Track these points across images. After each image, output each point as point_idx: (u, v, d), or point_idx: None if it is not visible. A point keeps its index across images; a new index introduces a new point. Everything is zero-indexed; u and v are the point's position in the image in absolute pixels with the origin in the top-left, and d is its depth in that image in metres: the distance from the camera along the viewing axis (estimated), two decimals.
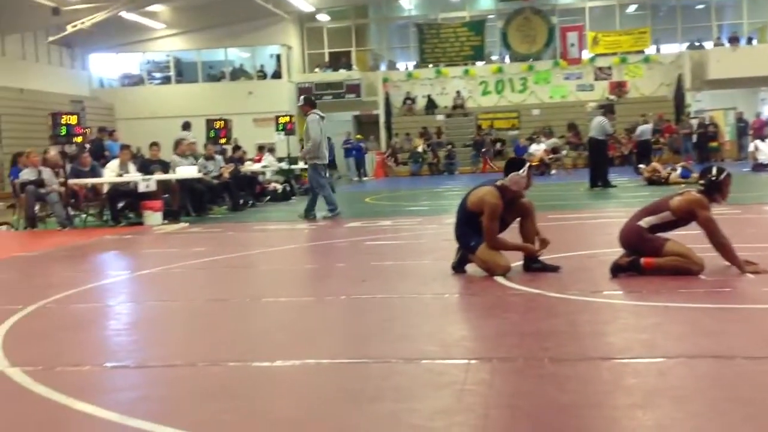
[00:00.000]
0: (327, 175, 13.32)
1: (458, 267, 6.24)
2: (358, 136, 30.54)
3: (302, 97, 13.25)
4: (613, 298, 5.20)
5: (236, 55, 33.90)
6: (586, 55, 31.60)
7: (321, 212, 12.37)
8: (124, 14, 28.14)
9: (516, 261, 6.12)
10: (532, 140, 28.61)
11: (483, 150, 30.41)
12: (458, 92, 32.46)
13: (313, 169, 12.53)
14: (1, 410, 3.34)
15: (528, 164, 6.19)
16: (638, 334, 4.22)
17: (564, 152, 27.72)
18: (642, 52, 31.37)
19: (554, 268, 6.04)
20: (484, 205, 5.98)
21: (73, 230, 12.27)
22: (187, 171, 13.85)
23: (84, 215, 13.47)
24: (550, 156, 26.00)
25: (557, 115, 30.55)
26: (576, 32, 31.50)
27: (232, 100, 29.71)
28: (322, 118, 12.83)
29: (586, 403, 3.09)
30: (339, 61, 34.13)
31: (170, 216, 12.83)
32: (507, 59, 32.95)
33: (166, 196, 13.24)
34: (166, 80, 33.33)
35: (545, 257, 6.18)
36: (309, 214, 12.38)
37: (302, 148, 13.15)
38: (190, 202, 13.98)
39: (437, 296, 5.53)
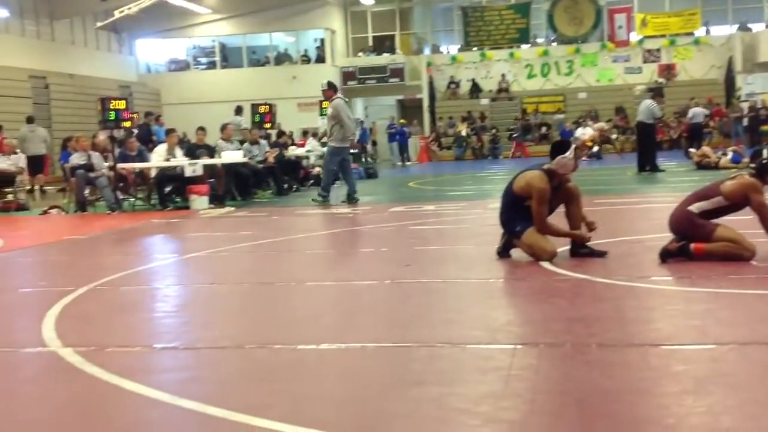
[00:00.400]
0: (365, 159, 13.56)
1: (503, 252, 6.20)
2: (402, 121, 30.47)
3: (326, 81, 13.27)
4: (662, 283, 5.13)
5: (281, 39, 34.01)
6: (634, 37, 31.06)
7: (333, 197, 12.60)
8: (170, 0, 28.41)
9: (562, 246, 6.06)
10: (578, 124, 28.27)
11: (514, 135, 30.18)
12: (503, 76, 32.19)
13: (332, 152, 12.56)
14: (56, 389, 3.41)
15: (574, 146, 6.12)
16: (688, 320, 4.16)
17: (614, 136, 27.38)
18: (692, 34, 30.75)
19: (601, 254, 5.97)
20: (531, 189, 5.92)
21: (122, 214, 12.47)
22: (232, 155, 13.97)
23: (132, 199, 13.67)
24: (597, 141, 25.66)
25: (604, 99, 30.13)
26: (624, 14, 30.97)
27: (276, 85, 29.85)
28: (346, 102, 13.05)
29: (635, 389, 3.06)
30: (383, 44, 34.05)
31: (216, 200, 12.96)
32: (553, 42, 32.56)
33: (212, 180, 13.37)
34: (212, 65, 33.58)
35: (592, 242, 6.11)
36: (351, 198, 12.43)
37: (327, 133, 13.09)
38: (235, 186, 14.10)
39: (482, 281, 5.51)
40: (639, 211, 9.97)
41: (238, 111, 18.31)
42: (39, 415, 3.11)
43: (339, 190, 13.36)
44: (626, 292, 4.88)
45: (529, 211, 5.97)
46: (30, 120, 19.13)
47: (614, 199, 10.86)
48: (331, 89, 12.96)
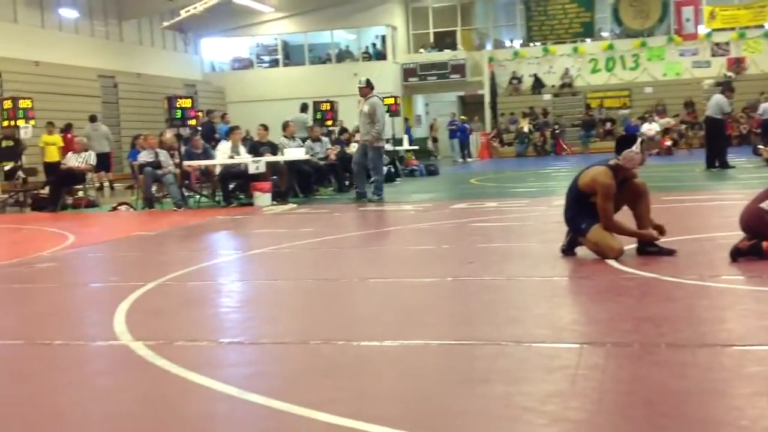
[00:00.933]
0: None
1: (568, 250, 6.11)
2: (463, 117, 30.33)
3: (365, 79, 13.19)
4: (733, 282, 5.00)
5: (342, 37, 34.18)
6: (702, 30, 30.33)
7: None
8: None
9: (628, 244, 5.96)
10: (644, 119, 27.75)
11: (557, 132, 29.81)
12: (566, 70, 31.78)
13: (377, 152, 12.74)
14: (127, 382, 3.50)
15: (641, 140, 5.99)
16: (760, 320, 4.04)
17: (682, 129, 26.82)
18: (762, 26, 29.89)
19: (670, 252, 5.84)
20: (596, 185, 5.83)
21: (188, 211, 12.70)
22: (295, 153, 14.10)
23: (197, 196, 13.91)
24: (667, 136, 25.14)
25: (671, 93, 29.52)
26: (692, 6, 30.27)
27: (337, 82, 30.01)
28: (382, 100, 13.23)
29: (706, 390, 2.99)
30: (444, 40, 33.94)
31: (279, 197, 13.10)
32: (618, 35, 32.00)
33: (275, 177, 13.52)
34: (274, 63, 33.95)
35: (661, 240, 5.98)
36: (376, 196, 12.63)
37: (360, 131, 13.23)
38: (297, 183, 14.23)
39: (546, 279, 5.45)
40: (709, 209, 9.74)
41: (304, 108, 18.44)
42: (112, 406, 3.19)
43: (404, 186, 13.35)
44: (696, 291, 4.77)
45: (594, 208, 5.87)
46: (93, 118, 19.63)
47: (683, 196, 10.63)
48: (368, 87, 12.98)
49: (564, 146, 28.97)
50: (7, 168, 16.30)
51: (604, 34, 32.50)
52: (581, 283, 5.39)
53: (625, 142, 5.95)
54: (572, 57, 31.86)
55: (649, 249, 5.89)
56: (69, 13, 26.55)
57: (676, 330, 3.87)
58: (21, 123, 14.84)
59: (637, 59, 31.16)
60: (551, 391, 3.01)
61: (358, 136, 14.41)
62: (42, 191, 14.66)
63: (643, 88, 30.74)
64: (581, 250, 6.05)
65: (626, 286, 5.01)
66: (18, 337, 4.43)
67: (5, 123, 15.31)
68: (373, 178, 13.04)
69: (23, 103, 14.93)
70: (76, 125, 19.93)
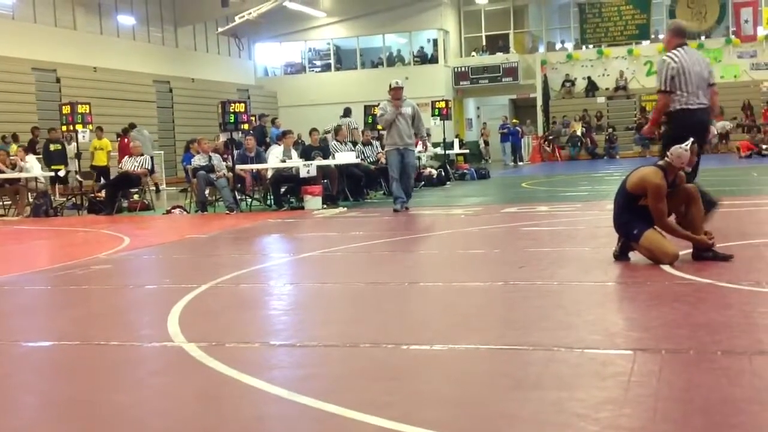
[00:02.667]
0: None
1: (621, 255, 6.02)
2: (515, 120, 30.14)
3: (402, 79, 12.50)
4: None
5: (393, 41, 34.26)
6: (761, 32, 29.66)
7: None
8: (287, 4, 29.10)
9: (684, 249, 5.84)
10: None
11: (551, 137, 29.46)
12: (621, 73, 31.36)
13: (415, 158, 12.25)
14: (182, 383, 3.55)
15: (692, 139, 5.85)
16: None
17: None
18: None
19: (726, 257, 5.71)
20: (646, 184, 5.71)
21: (239, 214, 12.84)
22: (346, 157, 14.17)
23: (249, 199, 14.07)
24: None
25: (729, 96, 28.88)
26: (750, 8, 29.63)
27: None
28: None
29: (763, 399, 2.91)
30: (496, 43, 33.79)
31: (329, 201, 13.17)
32: None
33: (326, 181, 13.60)
34: (326, 68, 34.17)
35: (717, 245, 5.85)
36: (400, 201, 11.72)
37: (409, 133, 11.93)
38: (347, 187, 14.30)
39: (599, 284, 5.37)
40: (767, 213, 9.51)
41: (347, 113, 18.51)
42: (167, 406, 3.24)
43: (454, 190, 13.29)
44: (754, 298, 4.66)
45: (645, 212, 5.76)
46: (132, 126, 20.01)
47: (742, 200, 10.39)
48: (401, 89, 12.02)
49: (558, 154, 28.69)
50: (60, 173, 16.69)
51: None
52: (635, 289, 5.30)
53: (674, 140, 5.83)
54: (627, 59, 31.45)
55: (705, 254, 5.77)
56: (126, 20, 27.12)
57: (733, 337, 3.78)
58: (79, 128, 15.18)
59: None
60: (604, 398, 2.97)
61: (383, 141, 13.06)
62: (99, 194, 14.98)
63: None
64: (635, 255, 5.96)
65: (681, 291, 4.91)
66: (75, 338, 4.53)
67: (63, 128, 15.69)
68: (407, 185, 11.84)
69: (81, 108, 15.28)
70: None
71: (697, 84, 7.26)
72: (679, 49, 7.33)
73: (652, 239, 5.73)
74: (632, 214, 5.84)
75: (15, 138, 18.93)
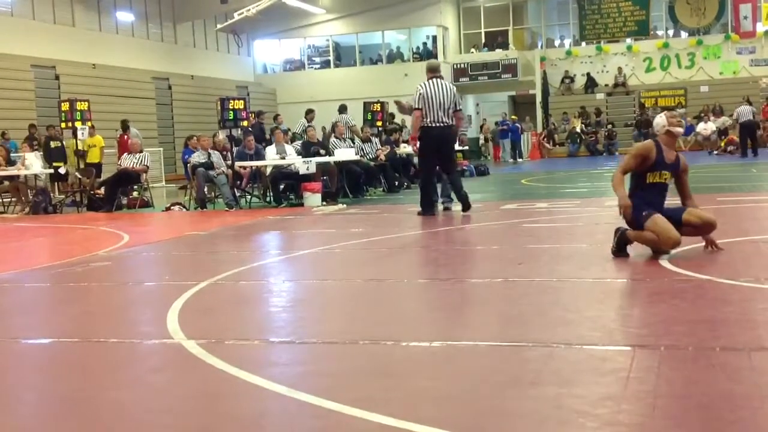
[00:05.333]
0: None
1: (618, 252, 6.02)
2: (513, 117, 30.13)
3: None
4: None
5: (393, 37, 34.25)
6: (760, 28, 29.65)
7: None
8: (286, 0, 29.05)
9: (690, 244, 5.85)
10: (699, 119, 27.23)
11: (544, 136, 29.52)
12: (620, 69, 31.35)
13: None
14: (182, 380, 3.56)
15: (666, 112, 6.13)
16: None
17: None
18: None
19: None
20: (632, 150, 6.06)
21: (239, 211, 12.84)
22: (345, 153, 14.16)
23: (248, 196, 14.06)
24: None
25: (728, 92, 28.91)
26: (749, 4, 29.63)
27: (388, 83, 30.09)
28: None
29: (762, 395, 2.91)
30: (495, 40, 33.77)
31: (328, 197, 13.17)
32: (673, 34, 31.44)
33: (325, 178, 13.59)
34: (325, 65, 34.15)
35: (721, 242, 5.86)
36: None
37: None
38: (347, 184, 14.30)
39: (598, 280, 5.38)
40: (766, 210, 9.51)
41: (342, 110, 18.39)
42: (166, 403, 3.24)
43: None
44: (753, 294, 4.67)
45: (652, 194, 5.82)
46: (125, 123, 20.02)
47: (740, 197, 10.40)
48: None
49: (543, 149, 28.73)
50: (61, 170, 16.67)
51: (660, 32, 31.99)
52: (634, 285, 5.31)
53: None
54: (626, 56, 31.44)
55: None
56: (125, 17, 27.10)
57: (732, 333, 3.79)
58: (78, 125, 15.17)
59: (692, 58, 30.60)
60: (603, 394, 2.97)
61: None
62: (98, 192, 14.97)
63: (699, 87, 30.18)
64: (634, 251, 5.96)
65: (680, 288, 4.92)
66: (74, 335, 4.54)
67: (63, 125, 15.67)
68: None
69: (80, 105, 15.27)
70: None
71: (437, 108, 9.97)
72: (429, 80, 10.13)
73: (659, 223, 5.74)
74: (639, 198, 5.86)
75: (30, 138, 18.74)
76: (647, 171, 5.88)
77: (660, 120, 5.96)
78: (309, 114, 17.62)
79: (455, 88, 10.48)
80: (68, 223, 12.47)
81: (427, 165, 10.62)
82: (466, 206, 10.26)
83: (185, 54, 29.43)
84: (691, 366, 3.30)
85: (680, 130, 5.99)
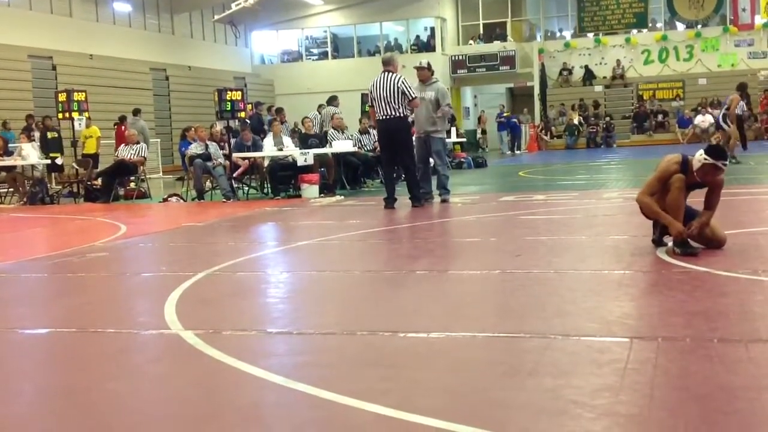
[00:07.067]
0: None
1: (659, 241, 5.93)
2: (507, 114, 30.08)
3: (425, 61, 11.56)
4: None
5: (391, 28, 34.17)
6: (759, 20, 29.62)
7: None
8: None
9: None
10: (697, 111, 27.22)
11: (541, 129, 29.43)
12: (618, 62, 31.32)
13: (442, 142, 11.23)
14: (179, 370, 3.55)
15: (714, 162, 5.59)
16: None
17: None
18: None
19: (694, 252, 5.58)
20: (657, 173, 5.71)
21: (236, 202, 12.83)
22: (343, 145, 14.14)
23: (246, 188, 14.04)
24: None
25: (726, 85, 28.81)
26: None
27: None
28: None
29: (762, 386, 2.92)
30: (493, 32, 33.71)
31: (326, 189, 13.16)
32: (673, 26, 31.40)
33: (323, 169, 13.57)
34: (323, 56, 34.08)
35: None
36: (446, 193, 11.11)
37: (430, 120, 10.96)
38: (345, 175, 14.28)
39: (596, 272, 5.38)
40: (764, 202, 9.52)
41: (331, 100, 18.28)
42: (163, 393, 3.24)
43: (451, 178, 13.22)
44: (750, 286, 4.67)
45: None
46: (137, 111, 20.02)
47: (738, 189, 10.40)
48: (429, 70, 11.21)
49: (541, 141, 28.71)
50: (58, 160, 16.65)
51: (658, 24, 31.95)
52: (631, 277, 5.31)
53: (713, 151, 5.64)
54: (624, 48, 31.41)
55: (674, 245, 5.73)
56: (122, 7, 27.01)
57: (729, 324, 3.79)
58: (75, 115, 15.12)
59: (691, 50, 30.58)
60: (601, 385, 2.97)
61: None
62: (95, 182, 14.95)
63: (697, 80, 30.16)
64: (635, 244, 5.95)
65: (678, 279, 4.92)
66: (71, 326, 4.53)
67: (60, 115, 15.63)
68: (441, 174, 11.09)
69: (78, 96, 15.21)
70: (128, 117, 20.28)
71: (381, 101, 10.39)
72: (379, 76, 10.56)
73: (707, 232, 5.71)
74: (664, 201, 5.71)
75: (27, 128, 18.69)
76: None
77: (696, 163, 5.59)
78: (334, 101, 17.62)
79: (402, 79, 10.45)
80: (65, 213, 12.46)
81: (384, 158, 11.22)
82: (416, 201, 10.59)
83: (182, 45, 29.35)
84: (689, 357, 3.31)
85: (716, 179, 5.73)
